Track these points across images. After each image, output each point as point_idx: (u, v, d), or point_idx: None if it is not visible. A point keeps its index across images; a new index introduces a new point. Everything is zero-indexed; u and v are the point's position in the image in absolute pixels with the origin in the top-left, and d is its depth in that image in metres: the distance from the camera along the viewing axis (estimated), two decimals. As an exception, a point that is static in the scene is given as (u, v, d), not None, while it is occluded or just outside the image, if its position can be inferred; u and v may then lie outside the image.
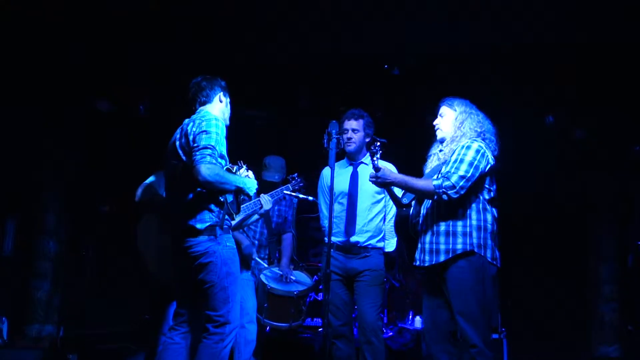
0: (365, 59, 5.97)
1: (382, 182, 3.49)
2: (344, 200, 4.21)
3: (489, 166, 3.42)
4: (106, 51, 5.61)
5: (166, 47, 5.63)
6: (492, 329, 5.38)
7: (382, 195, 4.24)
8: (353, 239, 4.16)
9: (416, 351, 5.58)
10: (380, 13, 5.06)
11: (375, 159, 3.45)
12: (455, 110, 3.57)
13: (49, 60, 5.64)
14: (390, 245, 4.30)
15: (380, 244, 4.24)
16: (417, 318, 6.09)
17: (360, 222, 4.18)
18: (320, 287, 5.24)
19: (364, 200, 4.21)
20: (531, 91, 5.91)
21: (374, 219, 4.22)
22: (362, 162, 4.30)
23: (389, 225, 4.28)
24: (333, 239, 3.71)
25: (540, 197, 6.44)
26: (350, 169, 4.30)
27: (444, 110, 3.62)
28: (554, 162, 6.31)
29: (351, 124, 4.24)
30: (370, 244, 4.19)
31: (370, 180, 3.53)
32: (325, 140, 3.64)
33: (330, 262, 3.57)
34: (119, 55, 5.69)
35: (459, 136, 3.50)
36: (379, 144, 3.44)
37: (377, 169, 3.45)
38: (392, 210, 4.25)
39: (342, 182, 4.19)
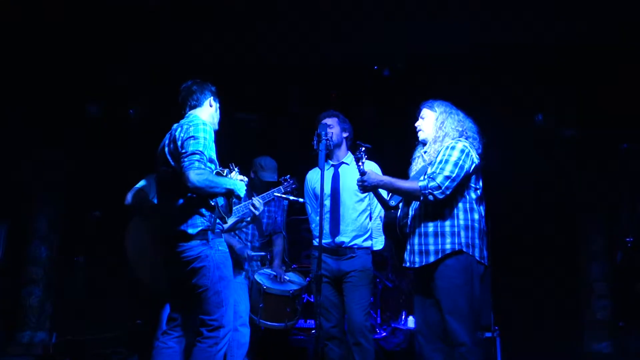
0: (356, 61, 5.98)
1: (368, 186, 3.51)
2: (327, 202, 4.21)
3: (473, 165, 3.44)
4: (97, 54, 5.59)
5: (158, 49, 5.62)
6: (485, 327, 5.41)
7: (366, 195, 4.25)
8: (338, 239, 4.17)
9: (409, 351, 5.60)
10: (374, 15, 5.07)
11: (360, 163, 3.47)
12: (436, 111, 3.60)
13: (39, 65, 5.62)
14: (379, 243, 4.30)
15: (367, 243, 4.24)
16: (410, 318, 6.10)
17: (344, 222, 4.19)
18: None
19: (347, 200, 4.22)
20: (521, 91, 5.93)
21: (359, 218, 4.22)
22: (343, 162, 4.32)
23: (376, 223, 4.29)
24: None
25: (531, 196, 6.47)
26: (332, 170, 4.31)
27: (425, 112, 3.66)
28: (543, 161, 6.34)
29: (326, 121, 4.27)
30: (356, 244, 4.18)
31: (357, 185, 3.55)
32: (315, 142, 3.66)
33: (317, 264, 3.58)
34: (109, 58, 5.67)
35: (441, 136, 3.53)
36: (363, 149, 3.47)
37: (363, 173, 3.47)
38: (378, 208, 4.26)
39: (325, 183, 4.19)
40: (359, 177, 3.49)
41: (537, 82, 5.88)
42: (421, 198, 3.39)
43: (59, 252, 6.24)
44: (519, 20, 5.06)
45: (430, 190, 3.34)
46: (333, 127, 4.26)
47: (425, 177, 3.40)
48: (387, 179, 3.52)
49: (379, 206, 4.24)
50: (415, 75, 6.08)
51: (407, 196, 3.54)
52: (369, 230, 4.27)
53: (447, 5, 4.94)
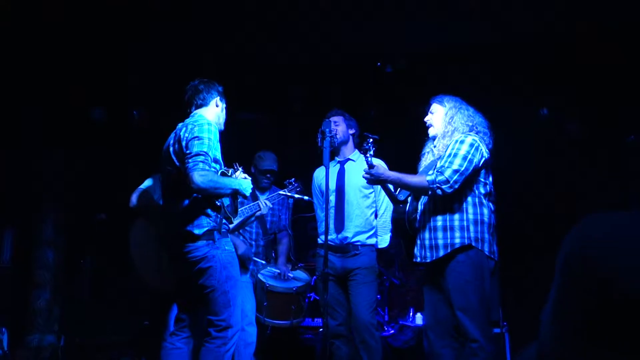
0: (358, 58, 5.96)
1: (375, 179, 3.48)
2: (333, 198, 4.22)
3: (483, 160, 3.42)
4: (100, 54, 5.59)
5: (161, 49, 5.61)
6: (494, 323, 5.39)
7: (371, 191, 4.24)
8: (341, 235, 4.16)
9: (418, 348, 5.57)
10: (374, 12, 5.06)
11: (368, 155, 3.43)
12: (445, 106, 3.59)
13: (42, 66, 5.62)
14: (384, 241, 4.29)
15: (372, 241, 4.23)
16: (418, 315, 6.08)
17: (348, 218, 4.18)
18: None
19: (352, 196, 4.21)
20: (524, 88, 5.91)
21: (363, 214, 4.21)
22: (349, 159, 4.32)
23: (381, 221, 4.27)
24: (324, 238, 3.69)
25: (539, 190, 6.44)
26: (338, 166, 4.31)
27: (434, 107, 3.65)
28: (548, 155, 6.31)
29: (331, 118, 4.27)
30: (359, 241, 4.17)
31: (364, 178, 3.52)
32: (319, 139, 3.66)
33: (323, 262, 3.58)
34: (113, 58, 5.67)
35: (451, 131, 3.52)
36: (371, 140, 3.41)
37: (371, 165, 3.44)
38: (384, 205, 4.26)
39: (330, 180, 4.17)
40: (366, 169, 3.45)
41: (540, 78, 5.85)
42: (429, 192, 3.37)
43: (65, 255, 6.24)
44: (519, 18, 5.04)
45: (438, 184, 3.31)
46: (339, 125, 4.27)
47: (434, 171, 3.38)
48: (394, 174, 3.49)
49: (385, 204, 4.25)
50: (417, 73, 6.06)
51: (416, 191, 3.53)
52: (373, 227, 4.25)
53: (447, 3, 4.93)
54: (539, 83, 5.88)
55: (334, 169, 4.30)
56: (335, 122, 4.26)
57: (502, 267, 4.89)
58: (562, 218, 6.46)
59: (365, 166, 4.20)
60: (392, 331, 5.94)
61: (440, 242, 3.39)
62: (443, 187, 3.31)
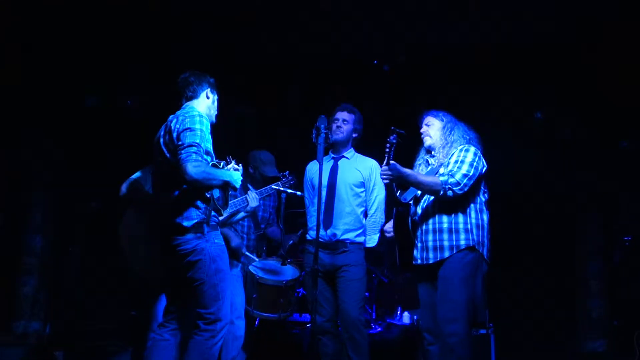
0: (356, 56, 5.97)
1: (392, 176, 3.49)
2: (323, 193, 4.20)
3: (484, 169, 3.58)
4: (95, 43, 5.56)
5: (158, 43, 5.59)
6: (480, 324, 5.42)
7: (362, 190, 4.25)
8: (330, 231, 4.17)
9: (404, 346, 5.60)
10: (373, 11, 5.06)
11: (391, 152, 3.42)
12: (443, 120, 3.71)
13: (36, 54, 5.58)
14: (372, 240, 4.30)
15: (360, 239, 4.23)
16: (406, 314, 6.11)
17: (337, 215, 4.18)
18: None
19: (343, 193, 4.22)
20: (518, 90, 5.93)
21: (353, 212, 4.22)
22: (343, 156, 4.32)
23: (371, 220, 4.28)
24: (312, 234, 3.69)
25: (528, 195, 6.47)
26: (331, 162, 4.32)
27: (430, 119, 3.74)
28: (540, 160, 6.34)
29: (343, 114, 4.29)
30: (348, 239, 4.18)
31: (381, 174, 3.53)
32: (314, 135, 3.65)
33: (313, 258, 3.57)
34: (107, 47, 5.64)
35: (450, 142, 3.63)
36: (396, 134, 3.40)
37: (389, 162, 3.44)
38: (375, 206, 4.28)
39: (322, 175, 4.17)
40: (384, 166, 3.45)
41: (535, 81, 5.88)
42: (441, 193, 3.46)
43: (54, 242, 6.21)
44: (517, 19, 5.06)
45: (450, 186, 3.43)
46: (347, 124, 4.27)
47: (444, 174, 3.48)
48: (411, 171, 3.56)
49: (376, 204, 4.27)
50: (413, 73, 6.07)
51: (427, 191, 3.59)
52: (362, 226, 4.26)
53: (446, 4, 4.94)
54: (534, 84, 5.90)
55: (327, 164, 4.30)
56: (344, 119, 4.28)
57: (489, 268, 4.93)
58: (552, 222, 6.52)
59: (358, 165, 4.23)
60: (379, 329, 5.96)
61: (446, 243, 3.49)
62: (454, 188, 3.43)
